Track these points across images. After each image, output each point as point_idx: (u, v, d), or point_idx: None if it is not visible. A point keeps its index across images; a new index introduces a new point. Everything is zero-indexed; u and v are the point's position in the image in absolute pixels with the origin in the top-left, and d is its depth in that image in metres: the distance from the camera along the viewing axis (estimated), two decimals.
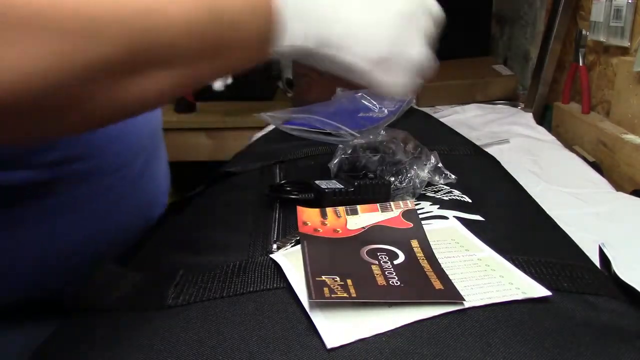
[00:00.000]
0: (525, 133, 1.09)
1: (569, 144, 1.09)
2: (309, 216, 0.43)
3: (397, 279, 0.34)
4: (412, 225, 0.42)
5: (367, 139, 0.52)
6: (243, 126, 1.46)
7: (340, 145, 0.52)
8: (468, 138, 0.75)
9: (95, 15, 0.30)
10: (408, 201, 0.45)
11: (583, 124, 1.09)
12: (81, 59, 0.30)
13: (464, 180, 0.52)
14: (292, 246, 0.39)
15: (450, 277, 0.34)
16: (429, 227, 0.42)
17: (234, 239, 0.43)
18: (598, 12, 1.04)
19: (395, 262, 0.36)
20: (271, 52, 0.39)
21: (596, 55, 1.11)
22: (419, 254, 0.37)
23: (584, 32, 1.10)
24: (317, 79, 1.26)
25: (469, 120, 1.17)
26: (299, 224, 0.42)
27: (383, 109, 0.76)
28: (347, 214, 0.43)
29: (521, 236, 0.44)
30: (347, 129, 0.67)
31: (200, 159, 1.53)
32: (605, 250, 0.40)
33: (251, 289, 0.34)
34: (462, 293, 0.32)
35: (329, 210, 0.44)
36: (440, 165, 0.51)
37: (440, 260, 0.36)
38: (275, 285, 0.34)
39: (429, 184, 0.50)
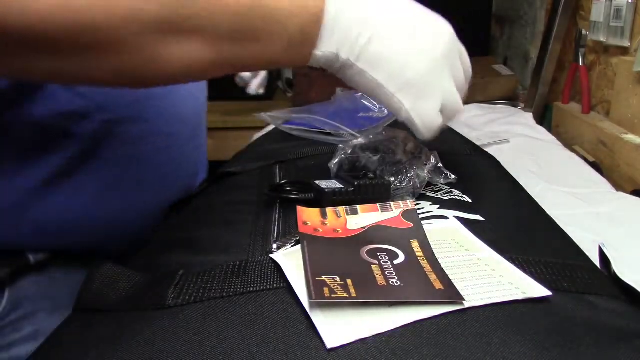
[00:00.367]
0: (525, 133, 1.09)
1: (569, 144, 1.09)
2: (309, 216, 0.43)
3: (397, 279, 0.34)
4: (412, 225, 0.42)
5: (367, 139, 0.52)
6: (243, 126, 1.45)
7: (341, 145, 0.52)
8: (468, 138, 0.75)
9: None
10: (408, 201, 0.45)
11: (583, 124, 1.09)
12: (131, 8, 0.34)
13: (464, 180, 0.52)
14: (292, 246, 0.39)
15: (450, 277, 0.34)
16: (429, 227, 0.42)
17: (234, 238, 0.43)
18: (598, 12, 1.04)
19: (395, 262, 0.36)
20: (307, 54, 0.41)
21: (596, 55, 1.11)
22: (419, 253, 0.37)
23: (584, 32, 1.10)
24: (317, 79, 1.26)
25: (469, 120, 1.16)
26: (299, 224, 0.42)
27: (383, 109, 0.76)
28: (347, 214, 0.43)
29: (521, 236, 0.44)
30: (347, 129, 0.67)
31: None
32: (605, 250, 0.40)
33: (251, 289, 0.34)
34: (462, 293, 0.32)
35: (329, 210, 0.44)
36: (440, 165, 0.51)
37: (440, 260, 0.36)
38: (275, 285, 0.34)
39: (429, 184, 0.50)
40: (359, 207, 0.44)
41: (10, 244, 0.51)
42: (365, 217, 0.43)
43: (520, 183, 0.58)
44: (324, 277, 0.33)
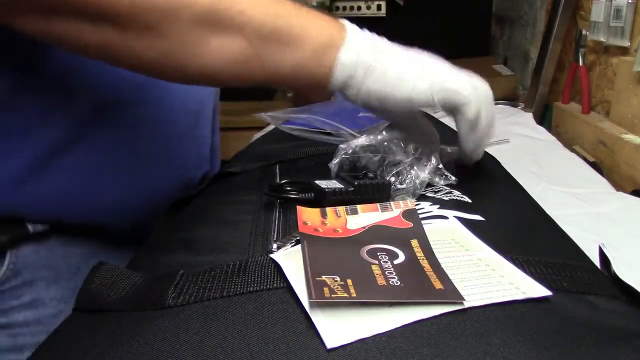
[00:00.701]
0: (525, 133, 1.10)
1: (569, 144, 1.09)
2: (309, 216, 0.43)
3: (397, 278, 0.34)
4: (412, 225, 0.42)
5: (368, 139, 0.52)
6: (243, 126, 1.46)
7: (341, 145, 0.52)
8: None
9: None
10: (408, 201, 0.45)
11: (583, 124, 1.09)
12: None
13: (464, 180, 0.52)
14: (292, 246, 0.39)
15: (450, 277, 0.34)
16: (429, 226, 0.42)
17: (234, 238, 0.43)
18: (598, 12, 1.04)
19: (396, 261, 0.36)
20: (331, 64, 0.45)
21: (596, 55, 1.11)
22: (419, 253, 0.37)
23: (584, 32, 1.11)
24: None
25: None
26: (299, 223, 0.42)
27: None
28: (347, 214, 0.43)
29: (521, 236, 0.44)
30: (347, 129, 0.67)
31: None
32: (605, 250, 0.40)
33: (251, 289, 0.34)
34: (462, 293, 0.32)
35: (329, 210, 0.44)
36: (440, 166, 0.51)
37: (440, 260, 0.36)
38: (275, 285, 0.34)
39: (429, 184, 0.50)
40: (359, 207, 0.44)
41: (8, 212, 0.53)
42: (365, 217, 0.43)
43: (520, 183, 0.59)
44: (324, 277, 0.33)
